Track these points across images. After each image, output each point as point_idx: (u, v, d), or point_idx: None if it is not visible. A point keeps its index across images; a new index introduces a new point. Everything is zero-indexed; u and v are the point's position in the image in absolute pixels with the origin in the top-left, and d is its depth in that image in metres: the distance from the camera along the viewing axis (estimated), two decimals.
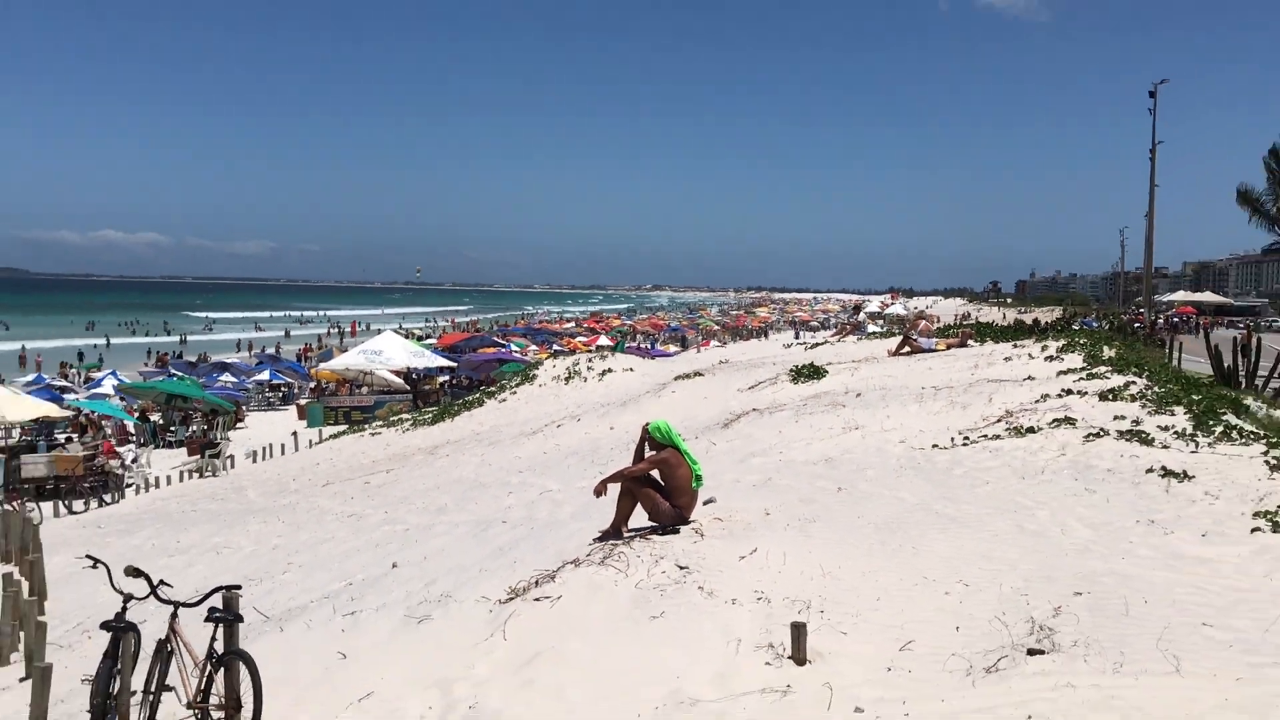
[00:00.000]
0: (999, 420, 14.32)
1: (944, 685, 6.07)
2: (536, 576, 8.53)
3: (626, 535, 9.43)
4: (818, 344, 35.85)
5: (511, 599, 8.10)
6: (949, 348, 25.43)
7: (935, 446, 13.28)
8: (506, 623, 7.62)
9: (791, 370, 23.02)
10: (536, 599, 7.96)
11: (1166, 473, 10.70)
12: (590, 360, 35.54)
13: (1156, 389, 15.14)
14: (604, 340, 68.73)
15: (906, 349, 25.78)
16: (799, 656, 6.55)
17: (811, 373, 22.29)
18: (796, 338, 53.82)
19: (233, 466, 31.49)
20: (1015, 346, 23.10)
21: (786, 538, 9.03)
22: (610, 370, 33.35)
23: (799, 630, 6.62)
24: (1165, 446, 11.94)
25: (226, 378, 52.91)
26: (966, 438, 13.55)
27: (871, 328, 56.97)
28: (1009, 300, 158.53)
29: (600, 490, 9.69)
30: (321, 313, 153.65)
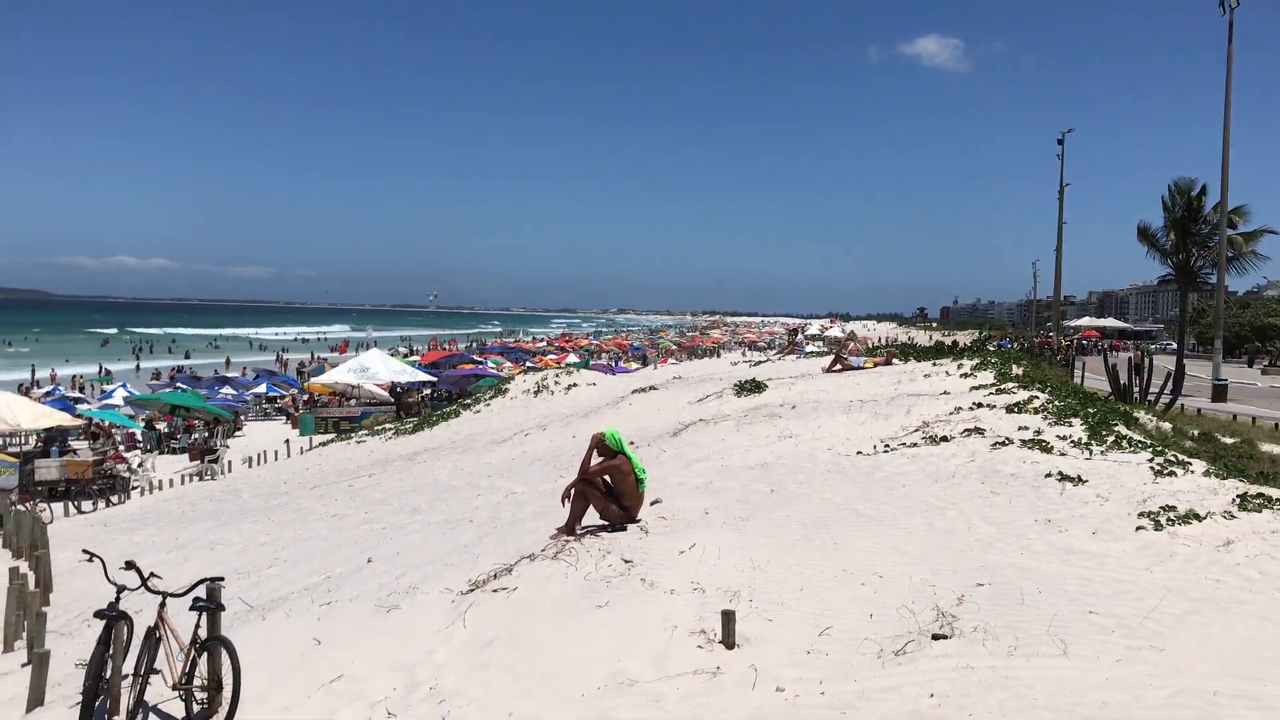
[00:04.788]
0: (917, 430, 14.39)
1: (857, 667, 6.07)
2: (495, 570, 8.48)
3: (579, 533, 9.39)
4: (760, 362, 35.84)
5: (472, 590, 8.04)
6: (876, 365, 25.52)
7: (859, 453, 13.32)
8: (467, 611, 7.56)
9: (736, 385, 23.03)
10: (494, 590, 7.91)
11: (1063, 477, 10.79)
12: (558, 376, 35.44)
13: (1057, 403, 15.26)
14: (572, 358, 68.58)
15: (838, 367, 25.86)
16: (729, 641, 6.54)
17: (753, 387, 22.31)
18: (744, 356, 53.88)
19: (230, 471, 31.12)
20: (934, 365, 23.22)
21: (723, 534, 9.01)
22: (575, 385, 33.27)
23: (729, 617, 6.60)
24: (1063, 454, 12.03)
25: (228, 390, 52.36)
26: (888, 445, 13.59)
27: (810, 348, 57.16)
28: (934, 324, 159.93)
29: (566, 496, 9.64)
30: (320, 335, 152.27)
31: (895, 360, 26.29)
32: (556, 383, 33.82)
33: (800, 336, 61.24)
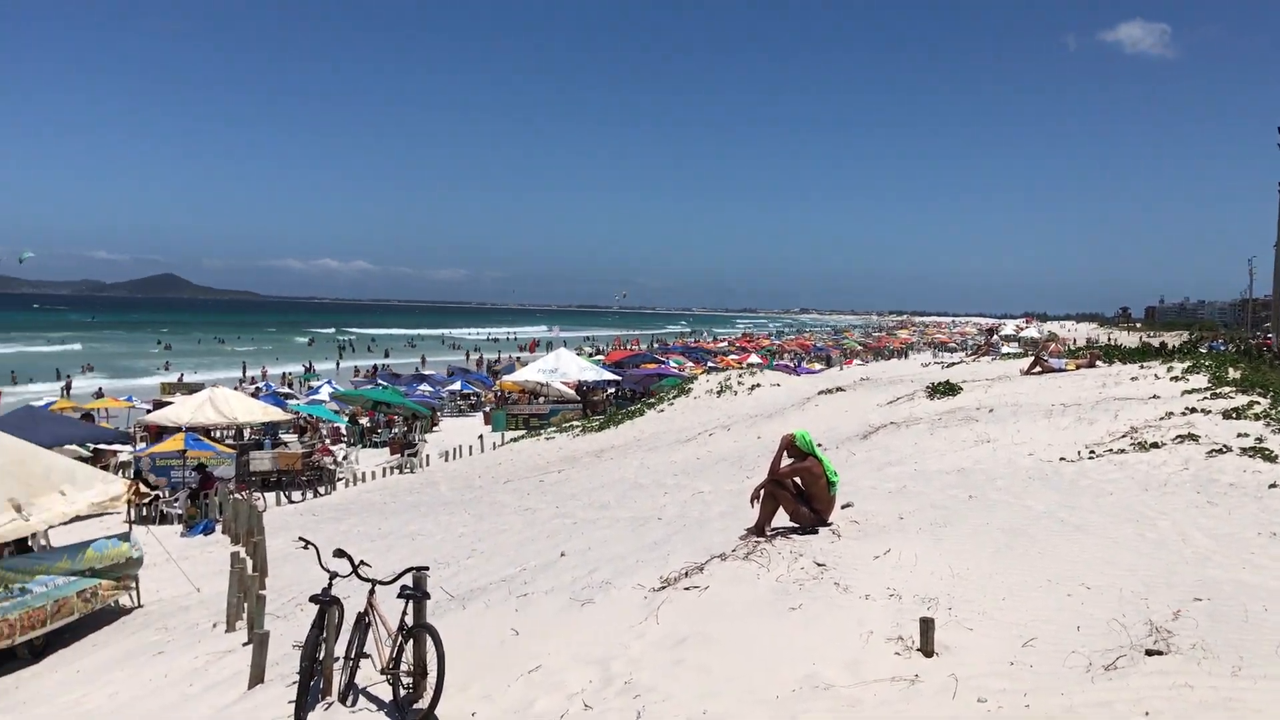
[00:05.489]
0: (1124, 436, 13.70)
1: (1064, 680, 5.83)
2: (686, 568, 8.53)
3: (769, 534, 9.35)
4: (953, 364, 34.88)
5: (664, 587, 8.12)
6: (1078, 368, 24.46)
7: (1062, 459, 12.78)
8: (659, 608, 7.64)
9: (928, 387, 22.48)
10: (686, 588, 7.96)
11: None
12: (741, 376, 35.41)
13: None
14: (754, 358, 68.37)
15: (1038, 369, 24.90)
16: (927, 649, 6.39)
17: (947, 389, 21.73)
18: (934, 358, 52.49)
19: (428, 464, 32.40)
20: (1141, 367, 22.07)
21: (918, 540, 8.81)
22: (759, 385, 33.19)
23: (927, 624, 6.45)
24: None
25: (425, 387, 54.52)
26: (1092, 451, 13.00)
27: (1005, 349, 55.20)
28: (1138, 325, 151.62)
29: (755, 497, 9.62)
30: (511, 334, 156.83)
31: (1099, 362, 25.14)
32: (740, 383, 33.81)
33: (995, 337, 59.23)
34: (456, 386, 56.41)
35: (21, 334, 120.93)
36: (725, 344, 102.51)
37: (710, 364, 64.15)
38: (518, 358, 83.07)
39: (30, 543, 14.79)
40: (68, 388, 59.68)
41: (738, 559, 8.43)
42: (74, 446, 27.70)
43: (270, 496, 27.48)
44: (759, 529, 9.43)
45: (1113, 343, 36.74)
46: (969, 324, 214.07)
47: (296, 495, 28.26)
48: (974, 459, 13.56)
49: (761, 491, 9.53)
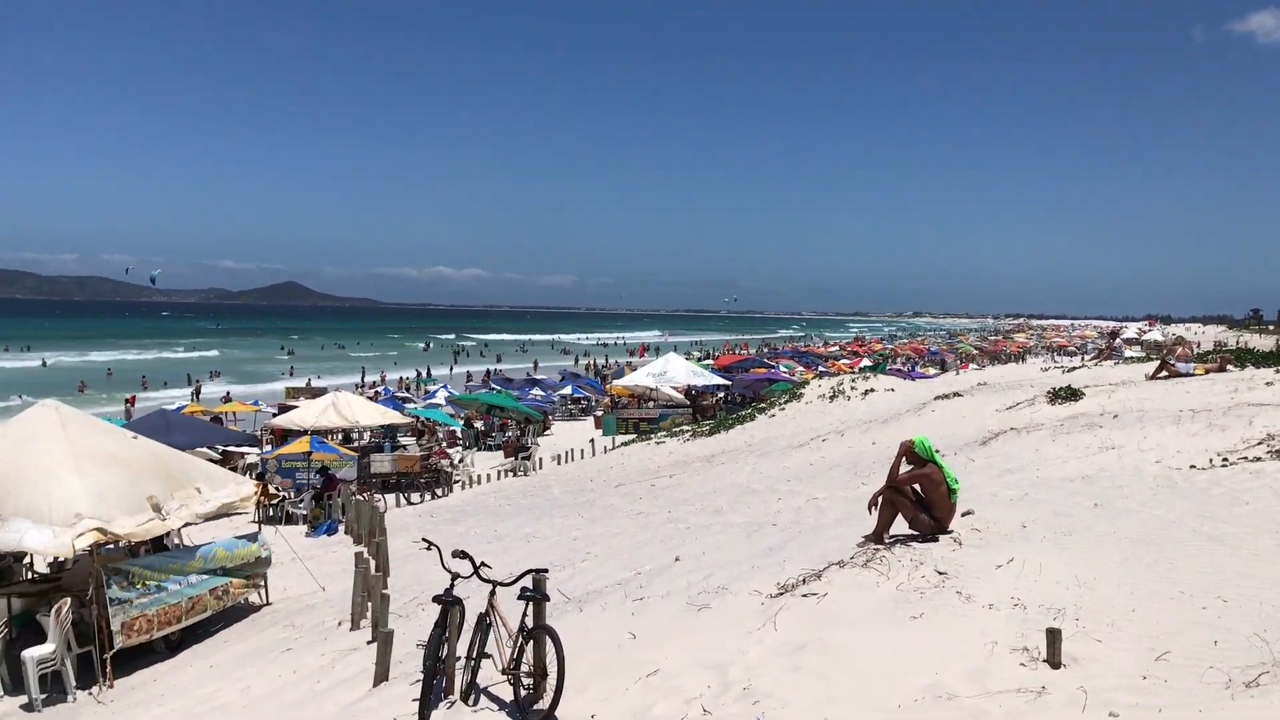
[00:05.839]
0: (1260, 443, 13.14)
1: (1201, 696, 5.63)
2: (804, 575, 8.49)
3: (887, 541, 9.23)
4: (1075, 368, 33.81)
5: (781, 594, 8.09)
6: (1207, 372, 23.52)
7: (1193, 467, 12.32)
8: (777, 615, 7.61)
9: (1048, 392, 21.89)
10: (804, 595, 7.92)
11: None
12: (853, 381, 35.00)
13: None
14: (866, 363, 67.49)
15: (1164, 373, 24.02)
16: (1054, 660, 6.23)
17: (1068, 394, 21.13)
18: (1053, 362, 51.08)
19: (541, 467, 32.82)
20: (1277, 372, 21.13)
21: (1042, 549, 8.60)
22: (872, 390, 32.75)
23: (1054, 635, 6.30)
24: None
25: (536, 391, 55.24)
26: (1225, 459, 12.50)
27: (1128, 353, 53.45)
28: (1271, 327, 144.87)
29: (873, 504, 9.51)
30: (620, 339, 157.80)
31: (1230, 366, 24.13)
32: (853, 388, 33.43)
33: (1118, 341, 57.38)
34: (567, 391, 57.06)
35: (153, 341, 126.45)
36: (836, 348, 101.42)
37: (821, 368, 63.57)
38: (627, 362, 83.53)
39: (166, 541, 15.46)
40: (197, 392, 62.18)
41: (856, 566, 8.36)
42: (204, 449, 28.83)
43: (390, 498, 28.16)
44: (877, 536, 9.32)
45: (1244, 346, 35.22)
46: (1088, 327, 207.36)
47: (415, 497, 28.91)
48: (1098, 466, 13.17)
49: (879, 498, 9.42)
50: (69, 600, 12.71)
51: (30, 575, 15.69)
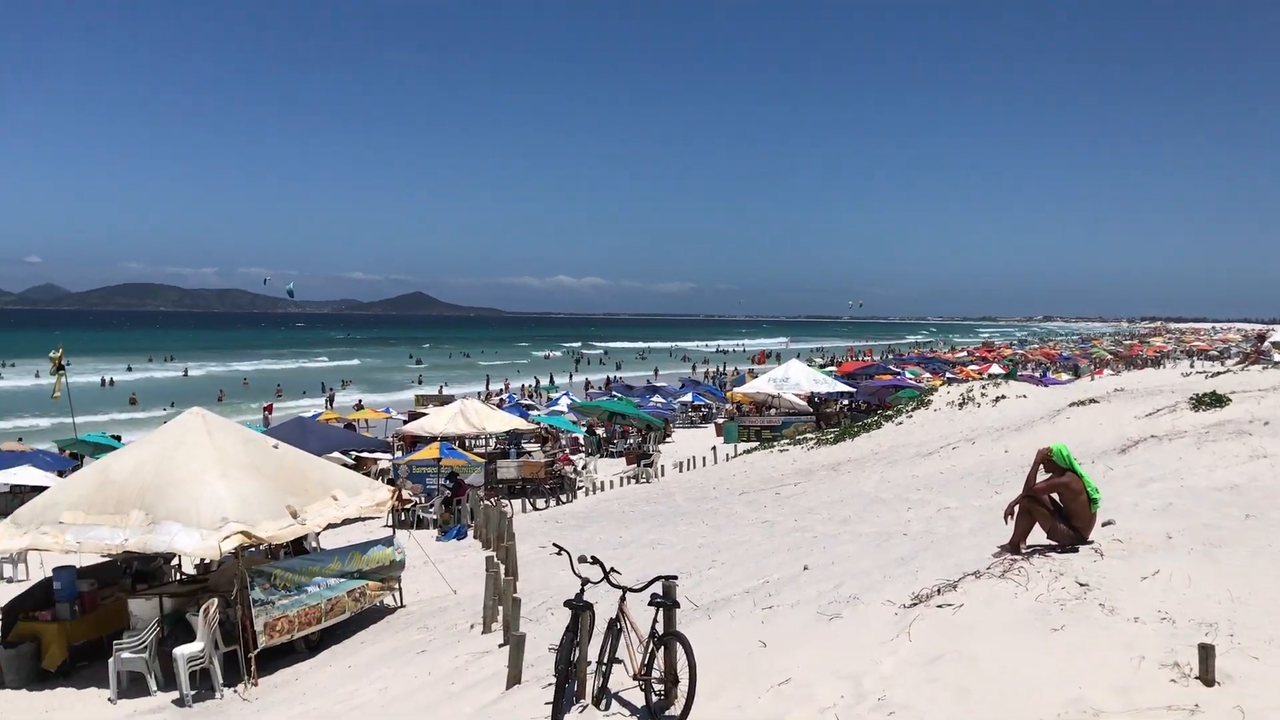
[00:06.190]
0: None
1: None
2: (938, 585, 8.33)
3: (1024, 552, 9.00)
4: (1218, 373, 32.39)
5: (915, 604, 7.96)
6: None
7: None
8: (911, 625, 7.50)
9: (1191, 398, 21.02)
10: (939, 605, 7.78)
11: None
12: (984, 387, 34.22)
13: None
14: (995, 369, 65.85)
15: None
16: (1207, 677, 5.99)
17: (1213, 400, 20.24)
18: (1192, 367, 49.03)
19: (663, 475, 32.94)
20: None
21: (1191, 561, 8.27)
22: (1003, 397, 31.96)
23: (1207, 651, 6.05)
24: None
25: (657, 399, 55.48)
26: None
27: (1277, 356, 50.97)
28: None
29: (1009, 513, 9.28)
30: (741, 345, 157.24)
31: None
32: (983, 394, 32.69)
33: (1265, 344, 54.76)
34: (688, 398, 57.14)
35: (289, 350, 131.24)
36: (964, 354, 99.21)
37: (949, 375, 62.29)
38: (749, 370, 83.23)
39: (305, 544, 16.04)
40: (330, 400, 64.34)
41: (993, 577, 8.17)
42: (339, 454, 29.78)
43: (515, 503, 28.63)
44: (1014, 546, 9.09)
45: None
46: (1231, 330, 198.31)
47: (540, 502, 29.34)
48: (1249, 475, 12.58)
49: (1016, 507, 9.18)
50: (216, 600, 13.30)
51: (179, 576, 16.48)
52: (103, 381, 77.24)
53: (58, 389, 28.67)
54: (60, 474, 28.23)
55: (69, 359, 31.40)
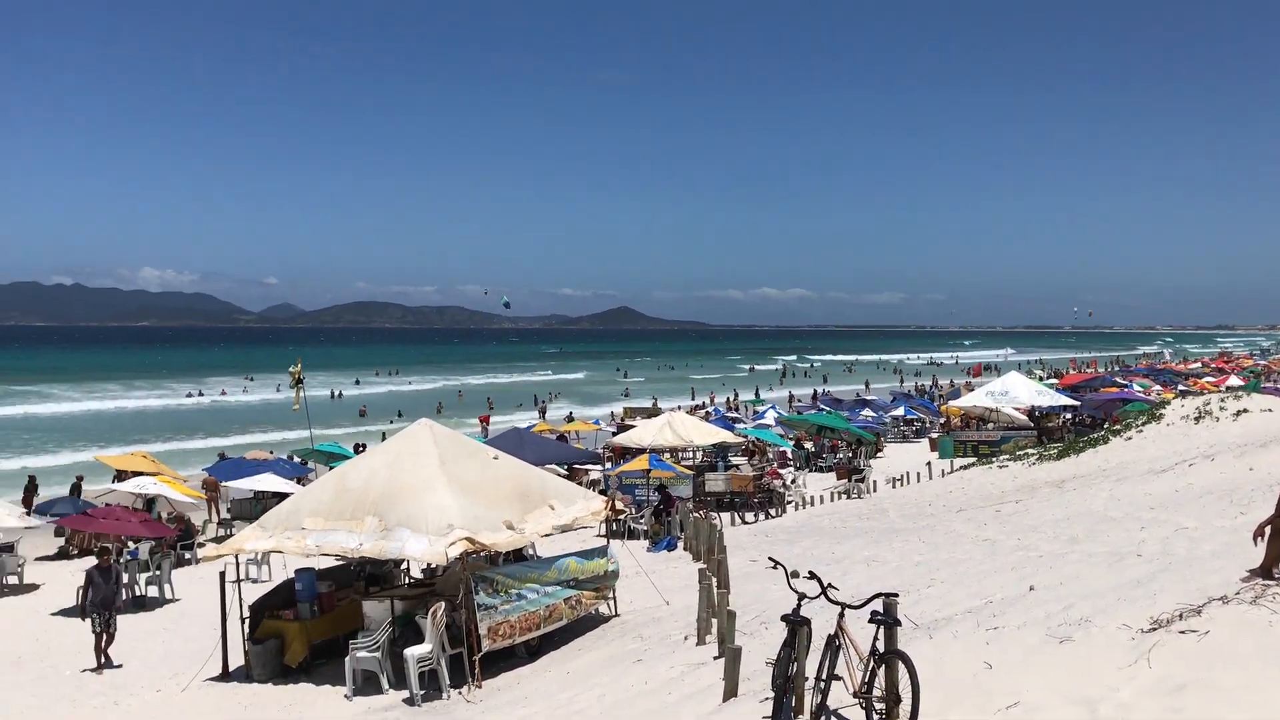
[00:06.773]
0: None
1: None
2: (1179, 610, 7.87)
3: (1278, 577, 8.39)
4: None
5: (1154, 629, 7.55)
6: None
7: None
8: (1150, 651, 7.11)
9: None
10: (1181, 631, 7.35)
11: None
12: (1223, 400, 32.04)
13: None
14: (1234, 380, 61.48)
15: None
16: None
17: None
18: None
19: (875, 490, 32.35)
20: None
21: None
22: (1245, 410, 29.81)
23: None
24: None
25: (867, 412, 54.51)
26: None
27: None
28: None
29: (1259, 534, 8.68)
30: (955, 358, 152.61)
31: None
32: (1222, 408, 30.59)
33: None
34: (900, 412, 55.84)
35: (502, 364, 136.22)
36: (1198, 365, 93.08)
37: (1182, 387, 58.60)
38: (965, 383, 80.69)
39: (524, 552, 16.60)
40: (543, 412, 66.37)
41: (1243, 603, 7.65)
42: (553, 465, 30.68)
43: (724, 516, 28.72)
44: (1265, 570, 8.48)
45: None
46: None
47: (749, 516, 29.33)
48: None
49: (1267, 529, 8.57)
50: (443, 604, 13.93)
51: (407, 580, 17.36)
52: (332, 394, 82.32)
53: (297, 401, 30.72)
54: (299, 481, 30.32)
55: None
